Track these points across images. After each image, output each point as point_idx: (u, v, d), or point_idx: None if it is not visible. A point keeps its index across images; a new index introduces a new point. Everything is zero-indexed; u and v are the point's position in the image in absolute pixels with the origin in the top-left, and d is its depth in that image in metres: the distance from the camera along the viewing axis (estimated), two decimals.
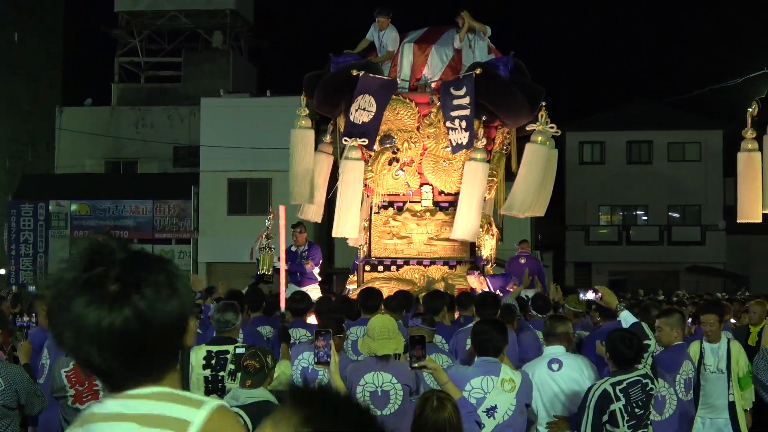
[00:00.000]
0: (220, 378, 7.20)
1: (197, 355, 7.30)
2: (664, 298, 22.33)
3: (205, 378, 7.23)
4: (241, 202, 33.88)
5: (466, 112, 12.42)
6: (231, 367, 6.90)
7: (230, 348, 7.15)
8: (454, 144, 12.69)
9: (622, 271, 43.03)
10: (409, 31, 13.89)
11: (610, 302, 7.52)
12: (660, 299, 19.58)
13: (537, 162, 13.02)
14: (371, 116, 12.67)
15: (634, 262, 42.77)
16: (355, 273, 13.55)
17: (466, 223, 12.57)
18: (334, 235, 13.29)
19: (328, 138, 14.20)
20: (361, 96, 12.59)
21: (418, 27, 14.11)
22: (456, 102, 12.52)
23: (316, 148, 13.92)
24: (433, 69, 13.60)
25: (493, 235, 14.12)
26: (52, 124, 39.55)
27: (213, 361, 7.30)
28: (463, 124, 12.49)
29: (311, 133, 13.62)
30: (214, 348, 7.39)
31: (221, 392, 7.03)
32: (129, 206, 34.79)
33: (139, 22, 43.00)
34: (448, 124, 12.65)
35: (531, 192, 12.97)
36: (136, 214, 34.77)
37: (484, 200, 13.08)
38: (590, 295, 7.70)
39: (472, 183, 12.68)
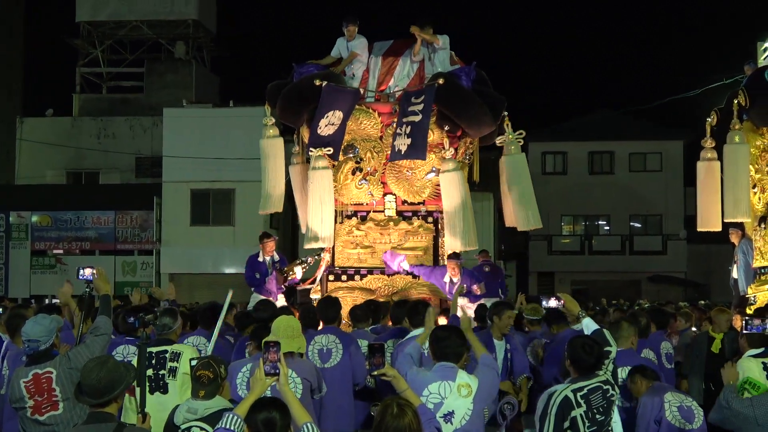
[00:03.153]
0: (161, 376, 7.72)
1: None
2: (626, 307, 22.47)
3: (149, 377, 7.61)
4: (204, 213, 33.77)
5: (417, 118, 12.42)
6: (170, 365, 7.70)
7: (168, 348, 7.85)
8: (395, 150, 12.66)
9: (585, 281, 43.30)
10: (375, 43, 13.92)
11: (572, 309, 7.58)
12: (624, 308, 19.72)
13: (522, 171, 13.31)
14: (336, 128, 12.71)
15: (596, 271, 43.06)
16: (319, 283, 13.53)
17: (459, 233, 12.69)
18: (306, 246, 13.28)
19: (296, 149, 14.23)
20: (332, 112, 12.64)
21: (383, 39, 14.15)
22: (411, 109, 12.55)
23: (286, 159, 13.97)
24: (399, 80, 13.66)
25: None
26: (13, 135, 39.22)
27: (153, 361, 7.76)
28: (408, 130, 12.48)
29: (280, 142, 13.66)
30: (154, 349, 7.84)
31: (164, 389, 7.68)
32: (91, 217, 34.55)
33: (100, 32, 42.78)
34: (397, 129, 12.65)
35: (533, 199, 13.29)
36: (98, 225, 34.54)
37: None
38: (553, 303, 7.75)
39: (452, 193, 12.75)
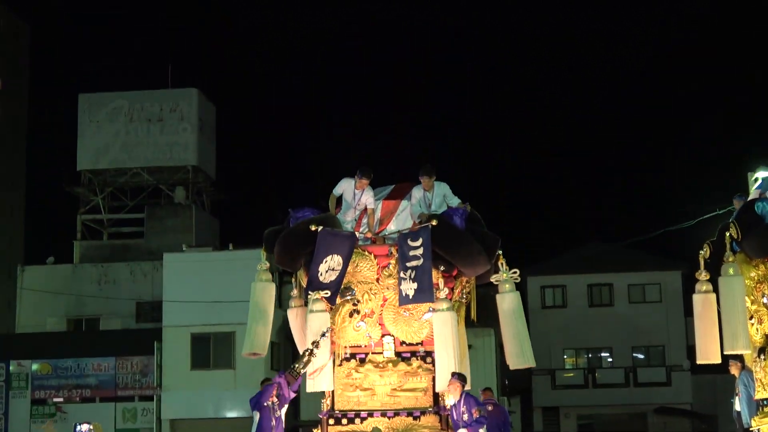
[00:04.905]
0: None
1: None
2: None
3: None
4: (205, 357, 33.62)
5: (419, 262, 12.64)
6: None
7: None
8: (403, 294, 12.85)
9: (591, 415, 42.78)
10: (377, 188, 14.21)
11: None
12: None
13: (516, 310, 13.35)
14: (337, 273, 12.90)
15: (601, 404, 42.62)
16: (320, 427, 13.44)
17: (448, 374, 12.71)
18: (309, 390, 13.26)
19: (294, 292, 14.32)
20: (330, 257, 12.83)
21: (384, 184, 14.44)
22: (412, 253, 12.75)
23: (282, 304, 14.07)
24: (399, 224, 13.90)
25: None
26: (14, 283, 39.36)
27: None
28: (413, 274, 12.67)
29: (272, 287, 13.78)
30: None
31: None
32: (91, 364, 34.39)
33: (101, 180, 43.35)
34: (401, 274, 12.85)
35: (527, 338, 13.31)
36: (98, 371, 34.35)
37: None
38: None
39: (444, 334, 12.82)
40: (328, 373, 12.97)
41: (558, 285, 44.47)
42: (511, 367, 13.84)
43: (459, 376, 12.81)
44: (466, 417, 12.67)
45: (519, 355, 13.40)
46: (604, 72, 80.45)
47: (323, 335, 12.80)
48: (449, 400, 12.80)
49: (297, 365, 12.96)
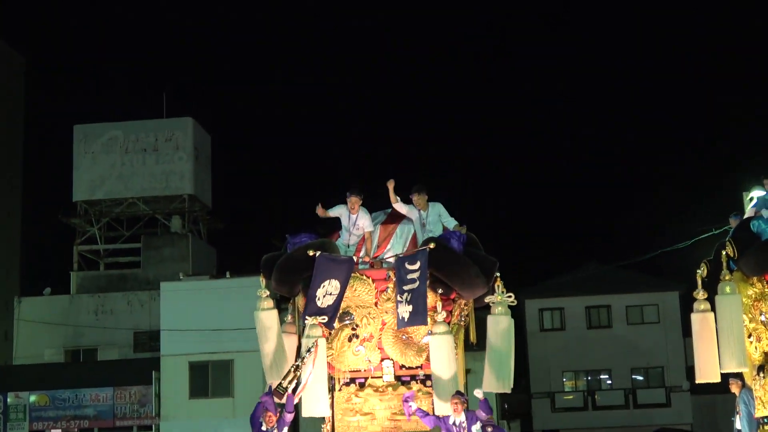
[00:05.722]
0: None
1: None
2: None
3: None
4: (203, 385, 33.53)
5: (415, 285, 12.67)
6: None
7: None
8: (399, 317, 12.86)
9: None
10: (374, 213, 14.22)
11: None
12: None
13: (505, 333, 13.31)
14: (334, 298, 12.91)
15: (601, 427, 42.49)
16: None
17: (447, 398, 12.69)
18: (304, 415, 13.21)
19: (289, 318, 14.31)
20: (328, 281, 12.85)
21: (381, 207, 14.45)
22: (409, 276, 12.78)
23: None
24: (396, 247, 13.91)
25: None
26: (11, 315, 39.28)
27: None
28: (408, 297, 12.70)
29: (275, 314, 13.73)
30: None
31: None
32: (89, 395, 34.26)
33: (97, 210, 43.33)
34: (398, 297, 12.87)
35: (510, 362, 13.28)
36: (96, 402, 34.22)
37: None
38: None
39: (440, 357, 12.82)
40: (323, 398, 12.94)
41: (556, 307, 44.43)
42: (485, 390, 13.77)
43: (460, 394, 12.83)
44: (465, 430, 12.67)
45: (498, 378, 13.33)
46: (599, 90, 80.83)
47: (309, 351, 12.78)
48: (451, 419, 12.80)
49: (282, 382, 12.94)
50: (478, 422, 12.92)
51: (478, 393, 13.20)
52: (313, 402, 12.81)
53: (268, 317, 13.65)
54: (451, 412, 12.75)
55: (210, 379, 33.48)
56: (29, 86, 53.54)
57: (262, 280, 13.76)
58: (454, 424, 12.73)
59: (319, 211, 13.81)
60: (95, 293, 39.86)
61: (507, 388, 13.39)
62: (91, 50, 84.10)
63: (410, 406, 12.76)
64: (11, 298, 40.02)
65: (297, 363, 12.89)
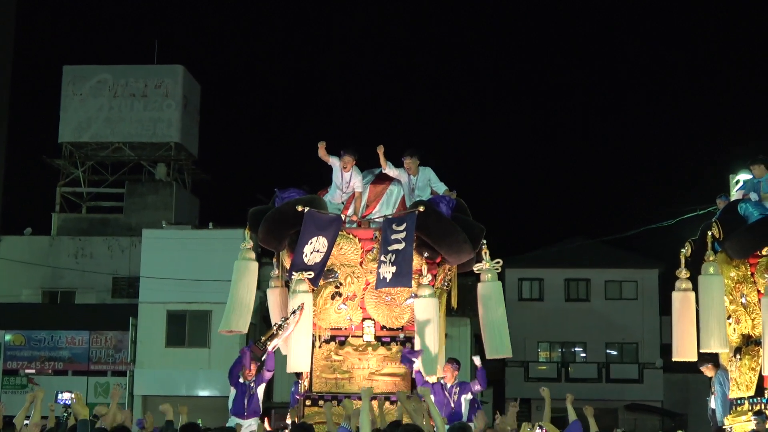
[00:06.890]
0: None
1: None
2: None
3: None
4: (180, 335, 33.52)
5: (401, 246, 12.67)
6: None
7: None
8: (380, 277, 12.86)
9: (562, 408, 42.83)
10: (365, 171, 14.17)
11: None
12: None
13: (497, 300, 13.45)
14: (322, 255, 12.91)
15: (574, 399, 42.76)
16: (296, 407, 13.46)
17: (428, 360, 12.75)
18: (288, 371, 13.26)
19: (275, 272, 14.32)
20: (316, 238, 12.85)
21: (371, 166, 14.40)
22: (394, 237, 12.78)
23: (260, 285, 14.07)
24: (385, 209, 13.89)
25: None
26: None
27: None
28: (392, 258, 12.69)
29: (255, 265, 13.80)
30: None
31: None
32: (65, 337, 34.24)
33: (82, 153, 43.08)
34: (381, 257, 12.87)
35: (505, 328, 13.39)
36: (72, 345, 34.21)
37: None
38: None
39: (425, 320, 12.86)
40: (306, 354, 12.98)
41: (536, 278, 44.63)
42: (488, 357, 13.89)
43: (454, 361, 12.93)
44: (456, 398, 12.77)
45: (496, 345, 13.48)
46: (590, 68, 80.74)
47: (293, 312, 12.82)
48: (447, 384, 12.91)
49: (264, 338, 12.98)
50: (470, 393, 13.00)
51: (477, 360, 13.30)
52: (299, 358, 12.84)
53: (246, 267, 13.68)
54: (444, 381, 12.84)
55: (187, 328, 33.47)
56: (19, 25, 52.99)
57: (247, 233, 13.76)
58: (443, 386, 12.82)
59: (321, 150, 13.74)
60: (76, 236, 39.72)
61: (508, 352, 13.48)
62: None
63: (413, 363, 12.79)
64: None
65: (280, 323, 12.93)
